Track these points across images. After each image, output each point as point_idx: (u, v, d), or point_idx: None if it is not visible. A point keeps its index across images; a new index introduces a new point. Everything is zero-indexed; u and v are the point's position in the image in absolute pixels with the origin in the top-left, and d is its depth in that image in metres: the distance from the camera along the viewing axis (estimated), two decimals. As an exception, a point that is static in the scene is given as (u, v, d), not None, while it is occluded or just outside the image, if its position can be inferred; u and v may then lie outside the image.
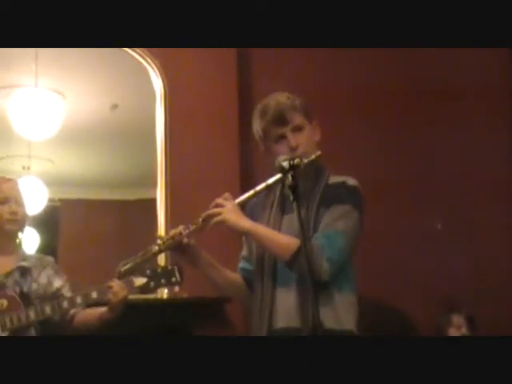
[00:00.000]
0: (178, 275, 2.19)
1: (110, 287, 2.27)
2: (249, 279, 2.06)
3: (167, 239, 1.97)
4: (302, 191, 1.84)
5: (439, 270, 3.83)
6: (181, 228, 1.96)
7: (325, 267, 1.85)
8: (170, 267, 2.20)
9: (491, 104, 4.07)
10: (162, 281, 2.20)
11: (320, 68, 3.96)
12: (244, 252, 2.11)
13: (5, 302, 2.33)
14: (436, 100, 4.06)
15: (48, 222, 6.21)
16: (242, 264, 2.10)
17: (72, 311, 2.39)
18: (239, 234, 2.09)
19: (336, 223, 1.90)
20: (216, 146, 3.77)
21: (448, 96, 4.06)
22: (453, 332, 3.42)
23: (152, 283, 2.21)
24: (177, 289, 2.20)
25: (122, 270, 2.08)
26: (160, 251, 2.00)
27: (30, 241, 5.35)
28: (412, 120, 4.03)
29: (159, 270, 2.20)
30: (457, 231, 3.95)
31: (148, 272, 2.21)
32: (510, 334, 3.40)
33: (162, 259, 3.48)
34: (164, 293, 3.48)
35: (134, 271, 2.14)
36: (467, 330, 3.39)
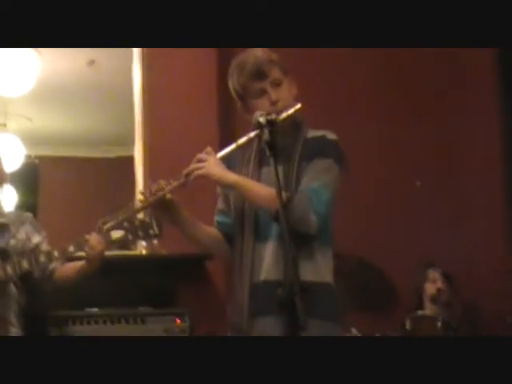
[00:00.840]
0: (156, 228, 2.16)
1: (88, 241, 2.27)
2: (227, 233, 2.06)
3: (150, 196, 1.95)
4: (281, 146, 1.84)
5: (421, 232, 3.87)
6: (163, 184, 1.95)
7: (313, 220, 1.87)
8: (148, 220, 2.17)
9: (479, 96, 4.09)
10: (140, 233, 2.18)
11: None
12: (220, 205, 2.11)
13: None
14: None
15: (27, 180, 6.17)
16: (218, 217, 2.10)
17: (51, 266, 2.40)
18: (214, 189, 2.09)
19: (320, 177, 1.91)
20: (195, 102, 3.73)
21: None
22: (429, 287, 3.48)
23: (130, 236, 2.19)
24: (155, 242, 2.18)
25: (105, 228, 2.07)
26: (142, 208, 1.99)
27: (8, 198, 5.32)
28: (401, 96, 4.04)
29: (137, 222, 2.18)
30: (442, 195, 3.99)
31: (125, 225, 2.17)
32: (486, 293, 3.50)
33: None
34: (143, 249, 3.49)
35: (115, 229, 2.13)
36: (443, 284, 3.45)
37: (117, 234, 2.21)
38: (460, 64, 4.06)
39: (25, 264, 2.30)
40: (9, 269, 2.31)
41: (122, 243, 2.23)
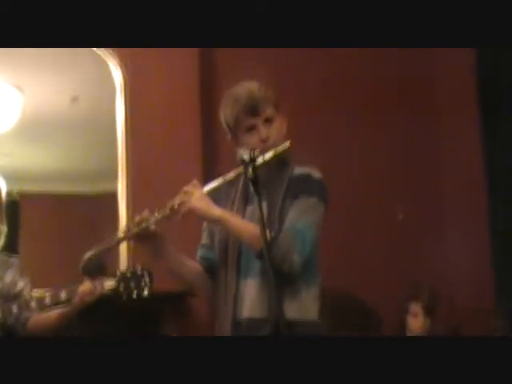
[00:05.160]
0: (147, 279, 2.18)
1: (79, 290, 2.25)
2: (209, 268, 2.05)
3: (134, 227, 1.95)
4: (266, 183, 1.84)
5: (405, 261, 3.88)
6: (147, 215, 1.94)
7: (296, 260, 1.87)
8: (139, 271, 2.18)
9: (458, 99, 4.13)
10: (132, 284, 2.19)
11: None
12: (204, 240, 2.10)
13: None
14: (404, 95, 4.11)
15: (7, 217, 6.10)
16: (201, 252, 2.09)
17: (26, 314, 2.36)
18: (200, 223, 2.08)
19: (304, 216, 1.91)
20: (177, 137, 3.75)
21: (416, 93, 4.11)
22: (410, 320, 3.46)
23: (121, 286, 2.20)
24: (146, 293, 2.19)
25: (87, 256, 2.06)
26: (126, 238, 2.00)
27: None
28: (379, 112, 4.07)
29: (129, 273, 2.19)
30: (424, 222, 4.00)
31: (118, 275, 2.20)
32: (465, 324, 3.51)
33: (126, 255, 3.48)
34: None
35: (98, 259, 2.11)
36: (424, 318, 3.44)
37: (109, 284, 2.21)
38: (435, 75, 4.13)
39: (14, 309, 2.28)
40: None
41: (114, 294, 2.23)
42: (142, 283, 2.17)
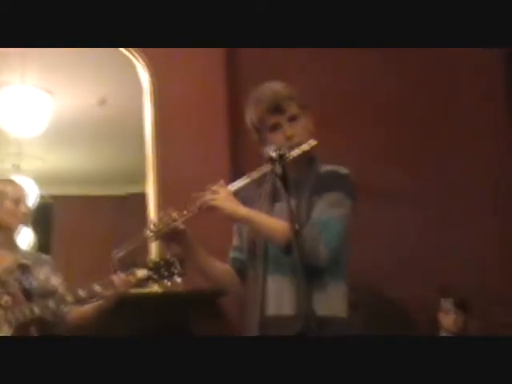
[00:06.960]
0: (179, 266, 2.17)
1: (113, 281, 2.27)
2: (240, 269, 2.05)
3: (162, 226, 1.95)
4: (293, 180, 1.85)
5: (436, 257, 3.84)
6: (175, 214, 1.95)
7: (322, 252, 1.86)
8: (171, 259, 2.18)
9: (484, 100, 4.08)
10: (165, 272, 2.19)
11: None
12: (235, 242, 2.10)
13: (9, 299, 2.35)
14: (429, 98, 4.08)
15: (40, 220, 6.20)
16: (232, 254, 2.09)
17: (65, 309, 2.40)
18: (230, 225, 2.09)
19: (330, 210, 1.90)
20: (205, 139, 3.76)
21: (441, 93, 4.09)
22: (442, 317, 3.44)
23: (155, 275, 2.21)
24: (179, 280, 2.18)
25: (116, 257, 2.07)
26: (154, 237, 1.98)
27: (24, 238, 5.34)
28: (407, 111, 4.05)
29: (161, 261, 2.19)
30: (454, 219, 3.97)
31: (150, 264, 2.21)
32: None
33: (155, 249, 3.51)
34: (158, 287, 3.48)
35: (127, 258, 2.13)
36: (456, 315, 3.41)
37: (141, 273, 2.22)
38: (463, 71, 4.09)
39: (51, 304, 2.32)
40: (35, 309, 2.32)
41: (147, 282, 2.24)
42: (175, 271, 2.17)
